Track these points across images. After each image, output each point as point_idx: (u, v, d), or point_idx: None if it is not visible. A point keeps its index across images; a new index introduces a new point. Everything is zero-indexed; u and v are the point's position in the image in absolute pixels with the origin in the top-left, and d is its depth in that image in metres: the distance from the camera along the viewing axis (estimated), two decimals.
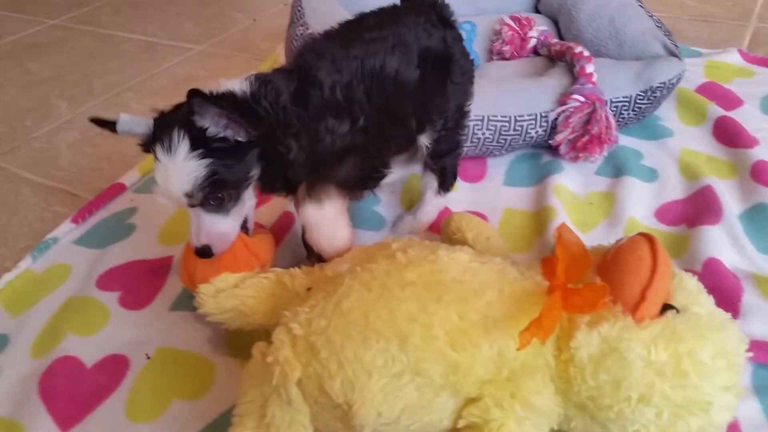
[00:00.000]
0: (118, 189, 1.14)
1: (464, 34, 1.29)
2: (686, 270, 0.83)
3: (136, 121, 0.74)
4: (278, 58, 1.58)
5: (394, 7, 0.93)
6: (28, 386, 0.79)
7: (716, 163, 1.07)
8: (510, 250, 0.93)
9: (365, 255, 0.71)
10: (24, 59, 1.79)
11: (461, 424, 0.60)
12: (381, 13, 0.91)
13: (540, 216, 0.99)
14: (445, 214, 0.97)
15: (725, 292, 0.79)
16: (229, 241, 0.77)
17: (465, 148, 1.07)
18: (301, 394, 0.60)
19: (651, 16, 1.25)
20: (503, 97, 1.07)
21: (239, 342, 0.80)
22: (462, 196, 1.05)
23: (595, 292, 0.57)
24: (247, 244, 0.80)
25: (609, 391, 0.58)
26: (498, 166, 1.13)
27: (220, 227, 0.75)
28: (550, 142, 1.09)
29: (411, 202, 1.05)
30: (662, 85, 1.11)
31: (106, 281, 0.94)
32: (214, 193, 0.72)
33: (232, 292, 0.76)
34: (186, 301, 0.87)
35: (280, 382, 0.60)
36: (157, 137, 0.71)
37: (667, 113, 1.22)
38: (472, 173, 1.11)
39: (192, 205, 0.73)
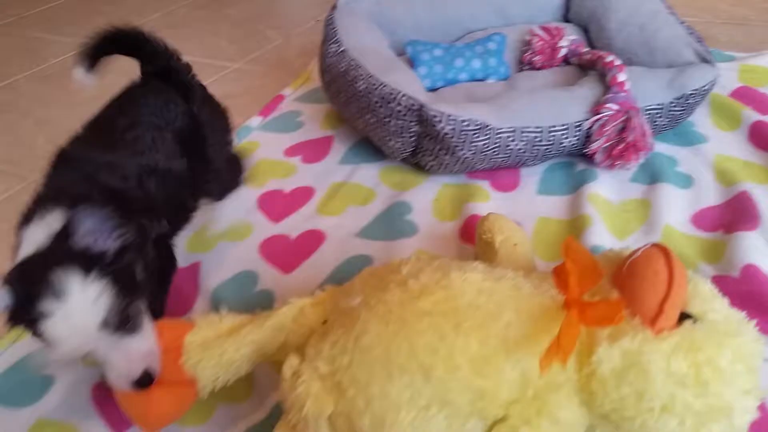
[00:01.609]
0: None
1: (494, 45, 1.32)
2: (723, 276, 0.85)
3: None
4: (311, 74, 1.62)
5: (132, 94, 0.93)
6: (81, 392, 0.82)
7: (752, 169, 1.07)
8: (544, 258, 0.94)
9: (375, 280, 0.70)
10: (68, 80, 1.86)
11: None
12: (125, 107, 0.90)
13: (575, 224, 0.99)
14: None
15: (764, 298, 0.79)
16: (158, 355, 0.68)
17: (498, 159, 1.09)
18: (329, 428, 0.61)
19: (682, 23, 1.26)
20: (535, 108, 1.08)
21: None
22: (495, 206, 1.07)
23: (612, 308, 0.58)
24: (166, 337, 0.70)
25: (632, 403, 0.59)
26: (531, 175, 1.13)
27: (146, 345, 0.67)
28: (585, 151, 1.09)
29: (442, 211, 1.08)
30: (695, 92, 1.11)
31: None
32: (126, 312, 0.65)
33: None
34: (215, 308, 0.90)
35: (310, 415, 0.61)
36: (29, 297, 0.60)
37: (702, 119, 1.22)
38: (505, 182, 1.13)
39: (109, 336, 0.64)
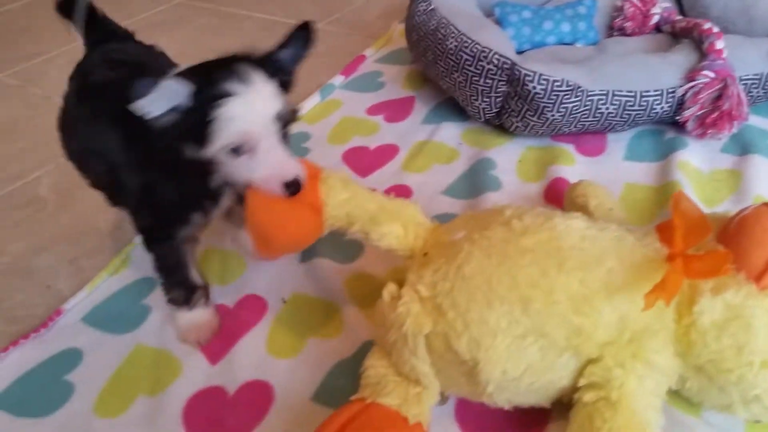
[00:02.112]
0: None
1: (584, 9, 1.31)
2: None
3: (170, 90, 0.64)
4: (392, 36, 1.63)
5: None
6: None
7: None
8: (631, 223, 0.94)
9: (477, 220, 0.72)
10: (153, 37, 1.92)
11: (582, 382, 0.62)
12: None
13: (664, 190, 0.99)
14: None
15: None
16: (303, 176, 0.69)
17: (587, 122, 1.09)
18: (426, 347, 0.65)
19: None
20: (628, 72, 1.07)
21: (360, 292, 0.88)
22: (580, 170, 1.07)
23: (717, 259, 0.59)
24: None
25: (731, 355, 0.60)
26: (618, 141, 1.13)
27: (294, 159, 0.70)
28: (677, 118, 1.08)
29: (527, 172, 1.09)
30: None
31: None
32: (288, 122, 0.69)
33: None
34: (311, 251, 0.95)
35: (410, 333, 0.64)
36: (219, 78, 0.64)
37: None
38: (591, 147, 1.13)
39: (277, 133, 0.68)
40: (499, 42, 1.13)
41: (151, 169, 0.75)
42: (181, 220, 0.79)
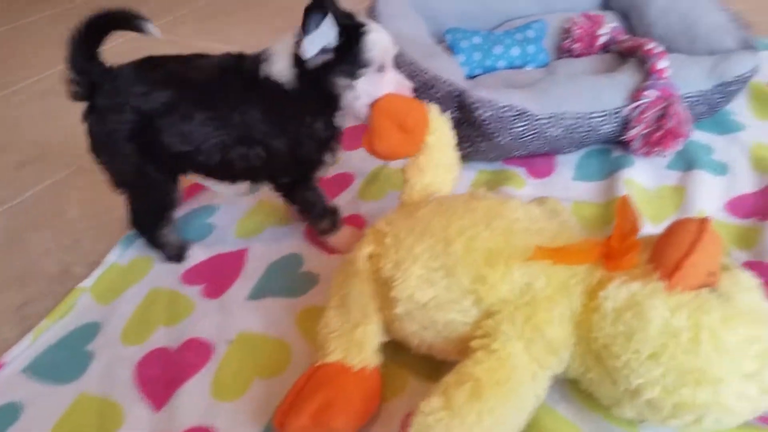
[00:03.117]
0: (198, 187, 1.21)
1: (533, 33, 1.33)
2: (757, 262, 0.85)
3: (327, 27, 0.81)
4: None
5: None
6: (123, 370, 0.87)
7: None
8: None
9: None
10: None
11: (478, 333, 0.68)
12: None
13: (610, 207, 1.01)
14: None
15: None
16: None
17: (536, 146, 1.10)
18: (368, 268, 0.77)
19: (724, 10, 1.24)
20: (574, 94, 1.09)
21: (312, 325, 0.86)
22: (530, 192, 1.08)
23: (629, 247, 0.65)
24: None
25: (622, 341, 0.62)
26: (567, 162, 1.15)
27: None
28: (623, 137, 1.10)
29: None
30: (737, 79, 1.10)
31: (190, 276, 1.02)
32: None
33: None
34: (262, 289, 0.96)
35: (358, 255, 0.78)
36: (353, 21, 0.84)
37: (740, 107, 1.21)
38: (541, 169, 1.14)
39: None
40: (450, 69, 1.14)
41: (290, 128, 0.90)
42: (320, 163, 0.95)
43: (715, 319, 0.59)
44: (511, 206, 0.75)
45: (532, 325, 0.66)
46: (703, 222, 0.63)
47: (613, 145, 1.15)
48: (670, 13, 1.26)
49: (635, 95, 1.08)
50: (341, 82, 0.85)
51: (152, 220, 1.01)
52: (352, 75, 0.84)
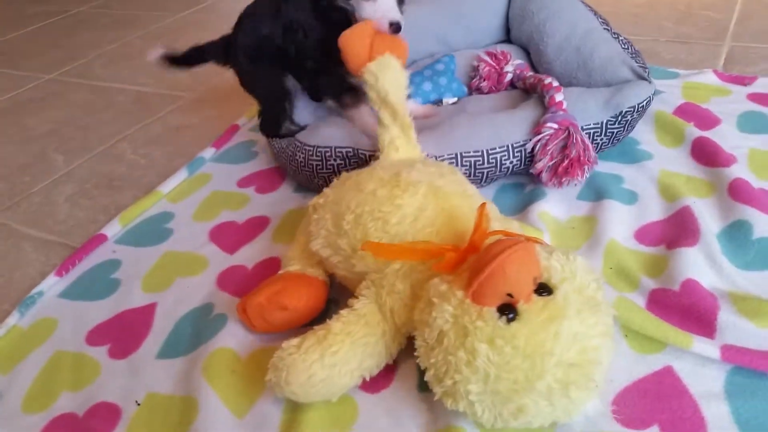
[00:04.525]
0: (100, 240, 1.17)
1: (442, 66, 1.34)
2: (664, 289, 0.87)
3: None
4: None
5: None
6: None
7: (695, 183, 1.10)
8: None
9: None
10: (21, 115, 1.84)
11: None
12: None
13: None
14: None
15: (702, 312, 0.81)
16: (403, 24, 1.08)
17: None
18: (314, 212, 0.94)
19: (617, 38, 1.29)
20: (474, 132, 1.10)
21: (218, 372, 0.85)
22: None
23: (458, 256, 0.73)
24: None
25: (424, 330, 0.71)
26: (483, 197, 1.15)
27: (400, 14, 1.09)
28: (531, 170, 1.11)
29: None
30: (632, 109, 1.13)
31: (94, 337, 0.96)
32: None
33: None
34: (171, 345, 0.92)
35: (311, 207, 0.96)
36: None
37: (647, 136, 1.25)
38: None
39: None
40: (336, 134, 1.16)
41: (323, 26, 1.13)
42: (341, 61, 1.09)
43: (479, 338, 0.64)
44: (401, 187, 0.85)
45: (384, 294, 0.79)
46: (512, 242, 0.65)
47: (527, 179, 1.17)
48: (565, 49, 1.30)
49: (537, 129, 1.09)
50: (341, 2, 1.10)
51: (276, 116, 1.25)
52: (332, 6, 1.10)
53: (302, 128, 1.23)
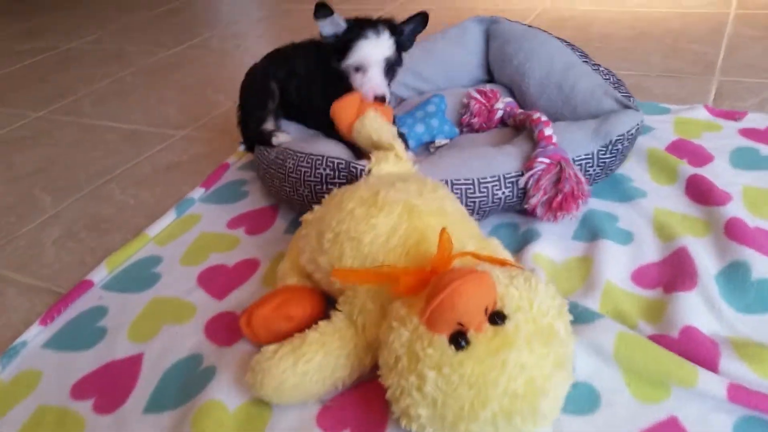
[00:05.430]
0: (87, 286, 1.14)
1: (433, 107, 1.34)
2: (663, 335, 0.85)
3: (334, 22, 1.16)
4: None
5: None
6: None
7: (690, 222, 1.09)
8: None
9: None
10: (9, 153, 1.83)
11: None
12: None
13: None
14: None
15: (702, 359, 0.79)
16: (389, 97, 1.20)
17: None
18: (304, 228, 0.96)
19: (597, 69, 1.29)
20: (464, 163, 1.10)
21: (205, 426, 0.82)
22: None
23: (418, 281, 0.73)
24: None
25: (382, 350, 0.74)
26: None
27: (387, 86, 1.19)
28: (525, 206, 1.10)
29: None
30: (621, 137, 1.13)
31: (79, 390, 0.93)
32: (393, 65, 1.19)
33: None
34: (159, 398, 0.89)
35: (304, 221, 0.97)
36: (364, 27, 1.15)
37: (640, 173, 1.24)
38: None
39: (382, 67, 1.17)
40: (332, 148, 1.16)
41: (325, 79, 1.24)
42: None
43: (428, 365, 0.66)
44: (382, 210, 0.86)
45: (356, 312, 0.82)
46: (465, 272, 0.67)
47: (521, 218, 1.15)
48: (547, 87, 1.30)
49: (528, 165, 1.09)
50: (336, 62, 1.18)
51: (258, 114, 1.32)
52: (338, 63, 1.18)
53: (288, 137, 1.28)
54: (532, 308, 0.69)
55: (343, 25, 1.16)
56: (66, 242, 1.33)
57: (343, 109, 1.12)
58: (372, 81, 1.17)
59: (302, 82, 1.28)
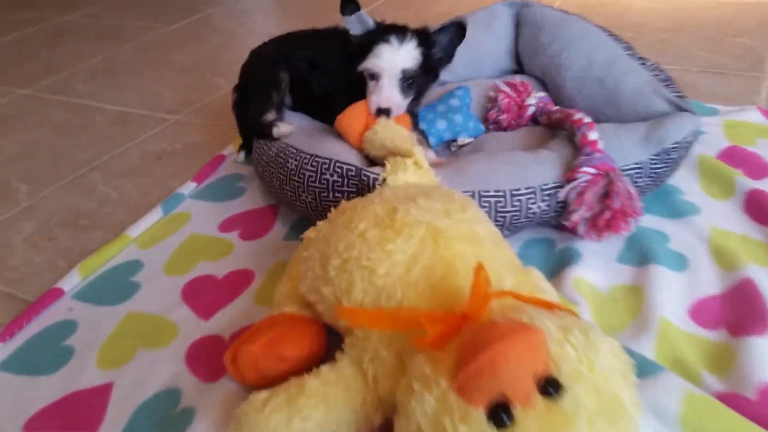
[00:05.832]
0: (56, 295, 0.99)
1: (457, 102, 1.18)
2: (735, 395, 0.70)
3: (361, 19, 1.05)
4: None
5: None
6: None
7: (752, 245, 0.94)
8: None
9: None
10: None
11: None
12: None
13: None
14: None
15: None
16: (400, 112, 1.06)
17: None
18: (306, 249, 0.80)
19: (644, 64, 1.13)
20: (494, 170, 0.95)
21: None
22: None
23: (442, 333, 0.57)
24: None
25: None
26: None
27: (401, 100, 1.05)
28: (565, 222, 0.95)
29: None
30: (677, 145, 0.99)
31: (34, 426, 0.78)
32: (414, 79, 1.04)
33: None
34: None
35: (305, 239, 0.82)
36: (389, 31, 1.02)
37: (690, 185, 1.09)
38: None
39: (396, 78, 1.03)
40: (342, 149, 1.00)
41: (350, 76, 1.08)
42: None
43: None
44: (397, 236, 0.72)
45: (366, 359, 0.67)
46: (510, 329, 0.51)
47: (556, 233, 1.00)
48: (587, 81, 1.15)
49: (570, 174, 0.93)
50: (355, 61, 1.05)
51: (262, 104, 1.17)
52: (359, 62, 1.04)
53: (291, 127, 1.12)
54: (594, 372, 0.53)
55: (370, 24, 1.05)
56: (38, 240, 1.18)
57: (349, 121, 1.03)
58: (381, 92, 1.03)
59: (325, 76, 1.15)
